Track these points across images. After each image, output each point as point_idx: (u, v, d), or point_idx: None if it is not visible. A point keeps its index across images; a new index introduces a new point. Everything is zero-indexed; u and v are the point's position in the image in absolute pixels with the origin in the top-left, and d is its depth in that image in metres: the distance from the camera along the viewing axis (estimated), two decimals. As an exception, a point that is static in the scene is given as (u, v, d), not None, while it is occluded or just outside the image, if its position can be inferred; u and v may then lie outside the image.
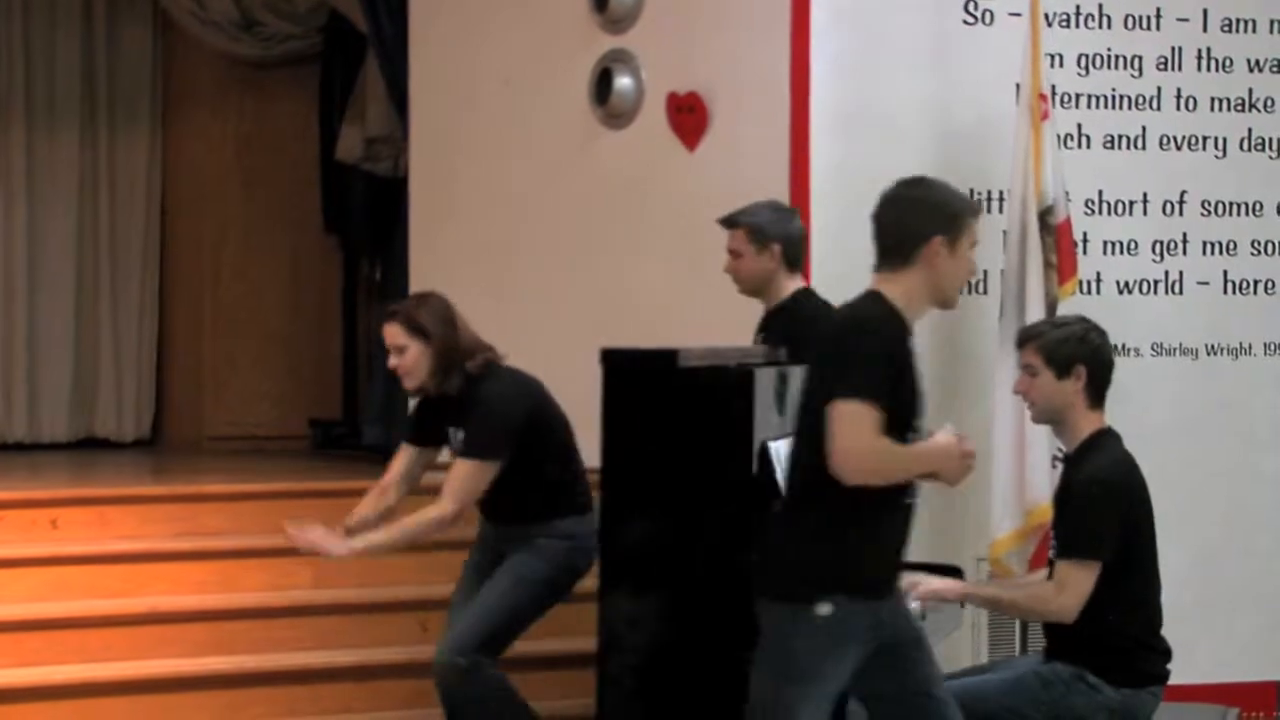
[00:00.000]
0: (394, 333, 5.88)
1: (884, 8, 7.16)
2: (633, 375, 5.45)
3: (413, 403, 6.18)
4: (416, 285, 8.41)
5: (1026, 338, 5.53)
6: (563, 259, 7.87)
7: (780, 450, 5.34)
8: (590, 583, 5.53)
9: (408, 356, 5.87)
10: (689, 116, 7.44)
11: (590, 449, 5.66)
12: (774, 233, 6.22)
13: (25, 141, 10.09)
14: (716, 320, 7.06)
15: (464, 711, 5.86)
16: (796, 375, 5.95)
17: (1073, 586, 5.30)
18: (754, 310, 7.12)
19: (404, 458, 6.07)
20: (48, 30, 10.10)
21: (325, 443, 9.92)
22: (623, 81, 7.62)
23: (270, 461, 9.36)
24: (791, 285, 6.27)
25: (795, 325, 6.03)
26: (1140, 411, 6.76)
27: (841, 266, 7.15)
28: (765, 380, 5.48)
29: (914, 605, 5.32)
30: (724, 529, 5.29)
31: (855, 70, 7.14)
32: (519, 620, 5.95)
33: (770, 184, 7.09)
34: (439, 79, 8.31)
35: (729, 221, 6.29)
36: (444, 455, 6.12)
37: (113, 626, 6.57)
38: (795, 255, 6.28)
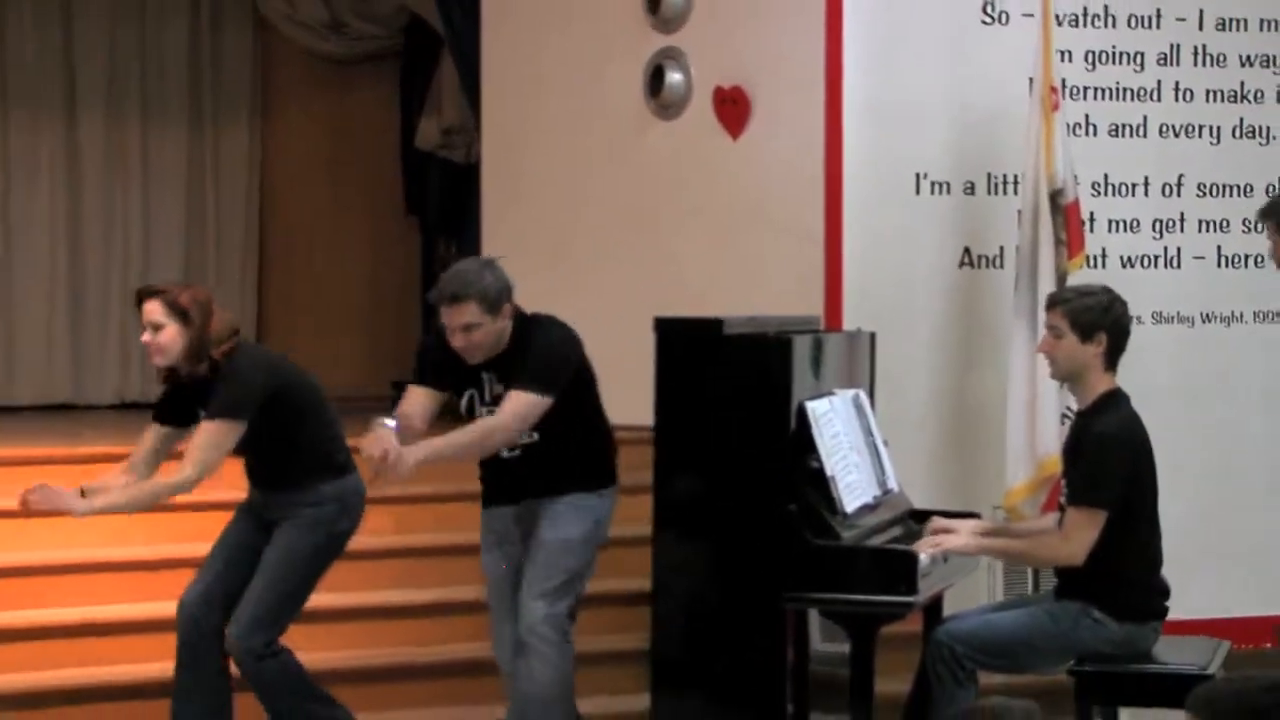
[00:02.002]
0: (153, 309, 5.35)
1: (910, 8, 7.12)
2: (682, 341, 5.45)
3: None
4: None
5: (1055, 301, 5.47)
6: (619, 237, 7.83)
7: (817, 409, 5.33)
8: (645, 528, 5.52)
9: (163, 335, 5.34)
10: (733, 108, 7.41)
11: (641, 407, 5.65)
12: (504, 292, 5.35)
13: (140, 133, 10.04)
14: (756, 292, 7.05)
15: (267, 690, 5.48)
16: (832, 343, 5.96)
17: (1080, 532, 5.27)
18: (792, 282, 7.11)
19: (151, 436, 5.53)
20: (159, 32, 10.05)
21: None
22: (673, 77, 7.60)
23: (351, 419, 9.30)
24: (509, 327, 5.41)
25: (546, 339, 5.38)
26: (1143, 374, 6.67)
27: (870, 243, 7.14)
28: (803, 347, 5.49)
29: (926, 558, 5.30)
30: (764, 482, 5.29)
31: (884, 65, 7.10)
32: (299, 597, 5.54)
33: (807, 169, 7.07)
34: (508, 74, 8.27)
35: (454, 297, 5.28)
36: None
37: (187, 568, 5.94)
38: (514, 304, 5.43)
